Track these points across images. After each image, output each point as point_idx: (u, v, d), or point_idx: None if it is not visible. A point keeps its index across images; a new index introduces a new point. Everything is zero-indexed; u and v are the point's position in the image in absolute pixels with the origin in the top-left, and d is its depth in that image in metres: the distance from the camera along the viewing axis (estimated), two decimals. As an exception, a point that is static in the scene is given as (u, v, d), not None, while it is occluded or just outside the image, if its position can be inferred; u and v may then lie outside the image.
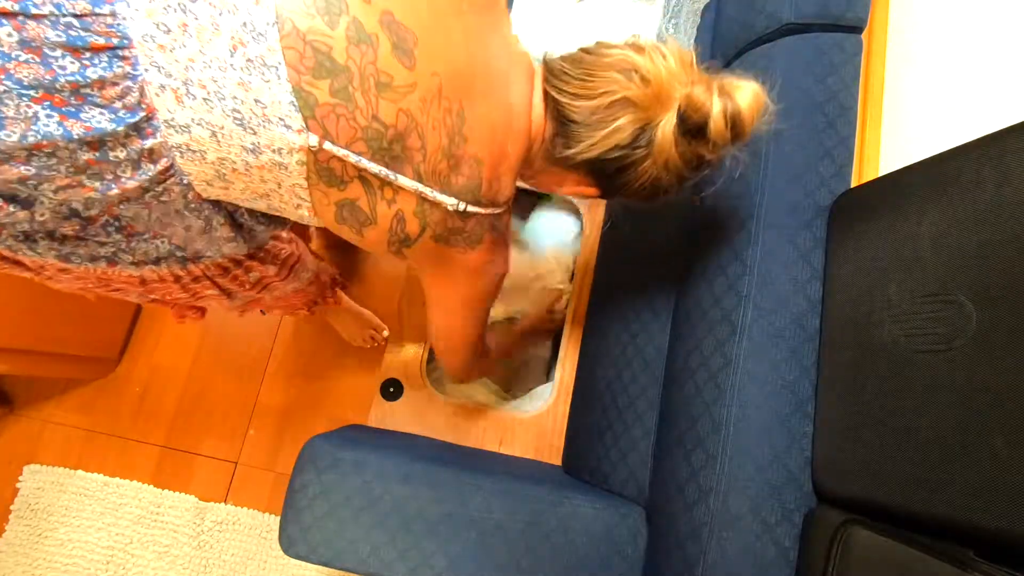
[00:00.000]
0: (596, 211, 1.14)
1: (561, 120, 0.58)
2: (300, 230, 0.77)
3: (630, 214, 1.00)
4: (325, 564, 0.76)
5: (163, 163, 0.48)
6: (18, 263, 0.57)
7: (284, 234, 0.76)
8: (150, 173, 0.48)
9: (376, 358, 1.32)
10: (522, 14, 1.07)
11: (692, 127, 0.54)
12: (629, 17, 1.02)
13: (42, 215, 0.49)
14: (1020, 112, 0.72)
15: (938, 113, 0.86)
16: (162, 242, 0.59)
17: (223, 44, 0.44)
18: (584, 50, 0.59)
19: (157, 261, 0.61)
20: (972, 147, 0.58)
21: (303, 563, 1.18)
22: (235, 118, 0.47)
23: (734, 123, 0.53)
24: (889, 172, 0.70)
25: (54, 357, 1.25)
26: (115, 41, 0.43)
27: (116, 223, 0.53)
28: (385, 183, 0.52)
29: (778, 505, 0.65)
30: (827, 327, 0.70)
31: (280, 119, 0.47)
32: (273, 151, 0.48)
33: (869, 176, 0.89)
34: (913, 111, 0.90)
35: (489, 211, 0.58)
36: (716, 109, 0.52)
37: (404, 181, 0.52)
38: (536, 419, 1.06)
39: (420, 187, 0.53)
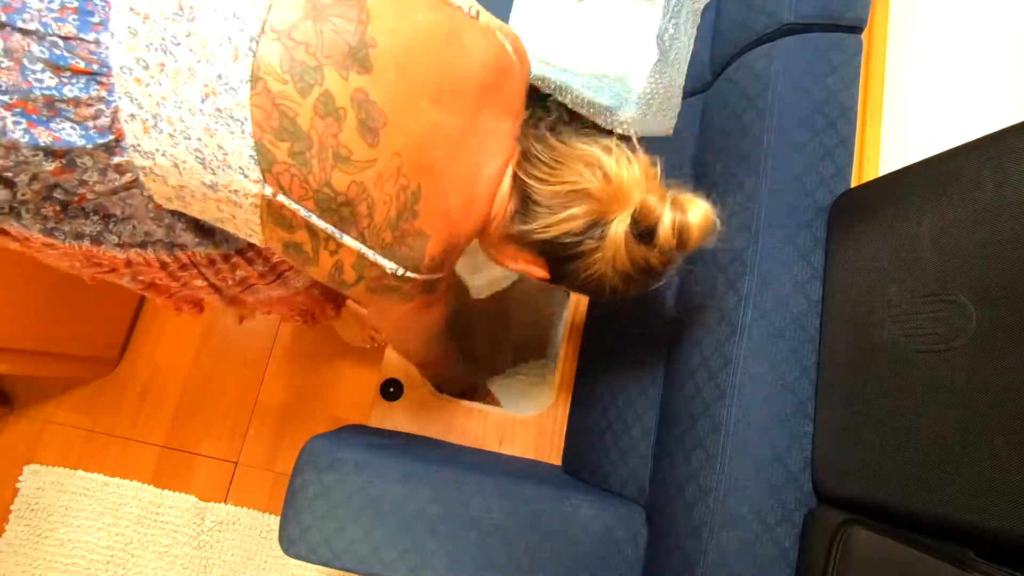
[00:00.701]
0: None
1: (523, 198, 0.62)
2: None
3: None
4: (325, 564, 0.76)
5: (128, 176, 0.51)
6: (4, 232, 0.58)
7: None
8: (117, 183, 0.51)
9: (376, 358, 1.33)
10: (522, 14, 1.07)
11: (643, 230, 0.57)
12: (629, 17, 1.02)
13: (23, 194, 0.51)
14: (1020, 112, 0.72)
15: (938, 113, 0.86)
16: (139, 223, 0.61)
17: (196, 89, 0.47)
18: (560, 140, 0.63)
19: (143, 245, 0.62)
20: (972, 147, 0.58)
21: (303, 563, 1.18)
22: (197, 157, 0.49)
23: (681, 234, 0.57)
24: (889, 172, 0.70)
25: (54, 357, 1.25)
26: (95, 67, 0.46)
27: (93, 206, 0.56)
28: (330, 238, 0.54)
29: (778, 505, 0.65)
30: (827, 327, 0.70)
31: (239, 168, 0.49)
32: (230, 191, 0.51)
33: (869, 176, 0.89)
34: (913, 111, 0.90)
35: (427, 278, 0.61)
36: (667, 218, 0.56)
37: (348, 240, 0.55)
38: (536, 419, 1.06)
39: (363, 248, 0.55)
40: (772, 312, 0.71)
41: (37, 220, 0.55)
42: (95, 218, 0.57)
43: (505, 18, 1.02)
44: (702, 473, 0.70)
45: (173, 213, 0.58)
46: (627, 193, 0.58)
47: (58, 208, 0.54)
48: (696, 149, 0.94)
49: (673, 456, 0.76)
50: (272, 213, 0.53)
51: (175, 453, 1.38)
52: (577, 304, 1.11)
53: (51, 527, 1.32)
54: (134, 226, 0.60)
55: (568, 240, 0.60)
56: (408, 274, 0.59)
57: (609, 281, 0.62)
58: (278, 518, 1.16)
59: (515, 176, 0.63)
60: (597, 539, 0.78)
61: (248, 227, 0.56)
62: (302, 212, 0.52)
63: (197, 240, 0.64)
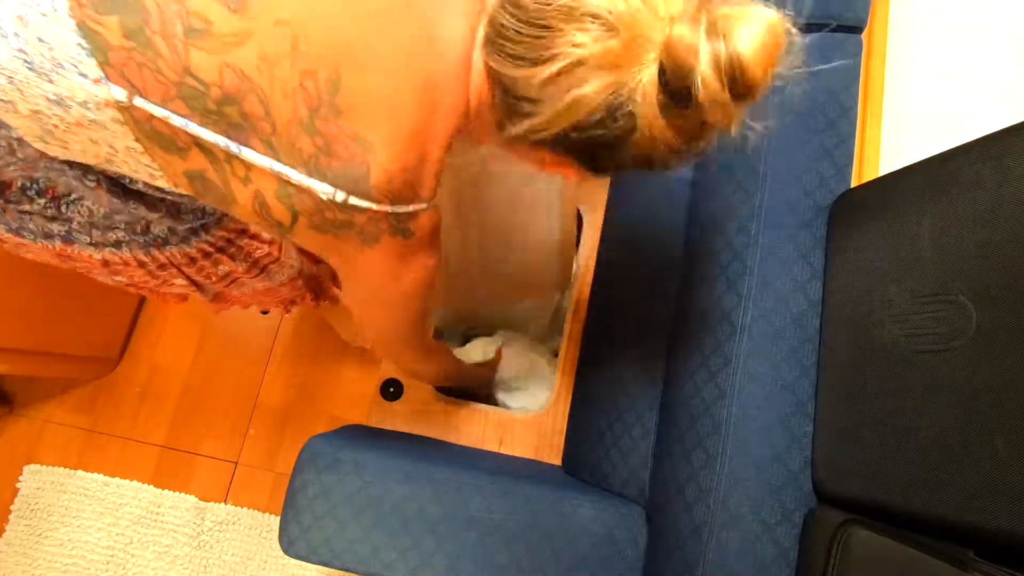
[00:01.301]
0: (595, 215, 1.14)
1: (503, 89, 0.45)
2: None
3: (628, 219, 1.00)
4: (325, 564, 0.76)
5: None
6: None
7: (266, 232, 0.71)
8: None
9: (376, 358, 1.32)
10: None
11: (678, 88, 0.39)
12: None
13: None
14: (1020, 112, 0.72)
15: (938, 113, 0.86)
16: (93, 207, 0.53)
17: None
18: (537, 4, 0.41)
19: (118, 244, 0.58)
20: (972, 147, 0.58)
21: (303, 563, 1.18)
22: (24, 60, 0.38)
23: (734, 76, 0.37)
24: (889, 172, 0.70)
25: (54, 357, 1.25)
26: None
27: (35, 186, 0.49)
28: (231, 157, 0.42)
29: (778, 505, 0.65)
30: (827, 327, 0.70)
31: (72, 64, 0.38)
32: (79, 104, 0.39)
33: (869, 176, 0.89)
34: (913, 111, 0.90)
35: (387, 208, 0.45)
36: (704, 58, 0.37)
37: (252, 156, 0.41)
38: (536, 419, 1.06)
39: (276, 165, 0.42)
40: (772, 312, 0.71)
41: None
42: (41, 201, 0.49)
43: None
44: (702, 473, 0.70)
45: (72, 165, 0.47)
46: (644, 37, 0.38)
47: None
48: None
49: (673, 456, 0.76)
50: (146, 132, 0.40)
51: (175, 453, 1.38)
52: (577, 305, 1.11)
53: (51, 527, 1.32)
54: (91, 210, 0.52)
55: (584, 135, 0.42)
56: (352, 200, 0.43)
57: (660, 159, 0.45)
58: (278, 518, 1.16)
59: (486, 65, 0.45)
60: (597, 539, 0.78)
61: (139, 163, 0.44)
62: (176, 120, 0.39)
63: (119, 204, 0.52)
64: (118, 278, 0.67)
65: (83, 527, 1.31)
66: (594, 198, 1.12)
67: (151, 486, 1.34)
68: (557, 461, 1.04)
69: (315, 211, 0.44)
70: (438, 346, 0.80)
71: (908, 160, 0.67)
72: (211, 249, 0.66)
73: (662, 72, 0.39)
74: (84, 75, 0.38)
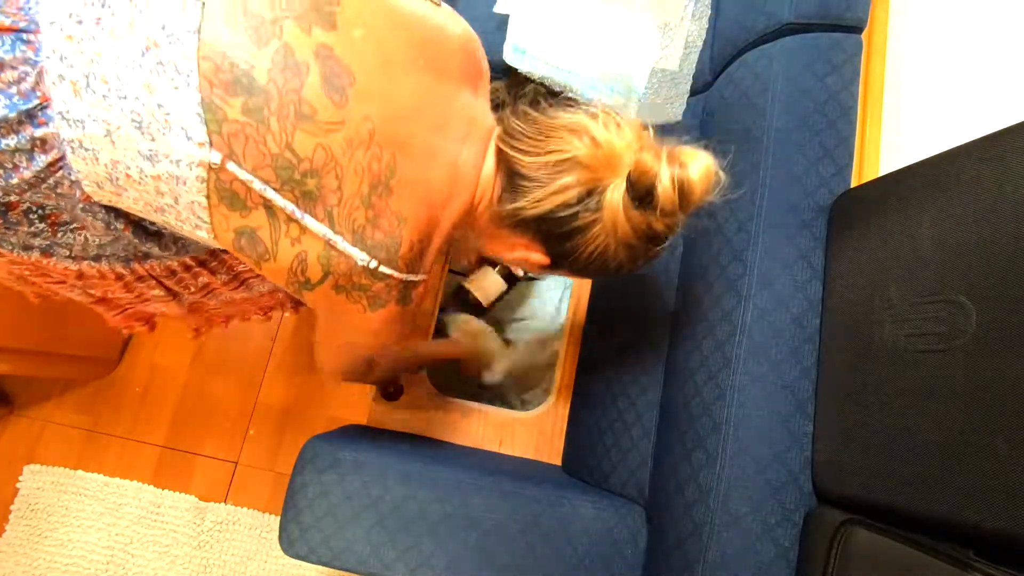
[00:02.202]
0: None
1: (510, 174, 0.57)
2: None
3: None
4: (325, 564, 0.76)
5: (54, 154, 0.46)
6: None
7: None
8: (41, 164, 0.46)
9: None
10: (522, 15, 1.06)
11: (641, 193, 0.52)
12: (630, 16, 1.02)
13: None
14: (1020, 112, 0.72)
15: (938, 113, 0.86)
16: (90, 236, 0.56)
17: (136, 43, 0.43)
18: (539, 111, 0.58)
19: (97, 258, 0.59)
20: (972, 147, 0.58)
21: (303, 563, 1.18)
22: (133, 120, 0.44)
23: (682, 190, 0.51)
24: (889, 172, 0.70)
25: (54, 357, 1.25)
26: (22, 24, 0.42)
27: (39, 211, 0.52)
28: (291, 220, 0.49)
29: (778, 505, 0.65)
30: (827, 327, 0.70)
31: (183, 129, 0.44)
32: (171, 161, 0.46)
33: (869, 176, 0.89)
34: (913, 111, 0.90)
35: (403, 276, 0.55)
36: (665, 175, 0.51)
37: (312, 223, 0.49)
38: (536, 419, 1.06)
39: (330, 234, 0.50)
40: (772, 312, 0.71)
41: None
42: (41, 225, 0.53)
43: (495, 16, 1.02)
44: (702, 473, 0.70)
45: (108, 209, 0.53)
46: (619, 156, 0.53)
47: None
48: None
49: (673, 456, 0.76)
50: (221, 190, 0.47)
51: (175, 453, 1.38)
52: (577, 304, 1.11)
53: (51, 527, 1.32)
54: (87, 238, 0.56)
55: (564, 214, 0.55)
56: (383, 269, 0.52)
57: (612, 255, 0.57)
58: (278, 518, 1.16)
59: (499, 152, 0.58)
60: (597, 539, 0.78)
61: (193, 215, 0.49)
62: (257, 185, 0.46)
63: (142, 244, 0.58)
64: (92, 292, 0.67)
65: (83, 527, 1.31)
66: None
67: (151, 486, 1.34)
68: (557, 461, 1.04)
69: (345, 274, 0.52)
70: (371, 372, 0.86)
71: (908, 160, 0.67)
72: (192, 263, 0.67)
73: (630, 182, 0.52)
74: (190, 139, 0.44)
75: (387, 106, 0.50)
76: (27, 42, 0.42)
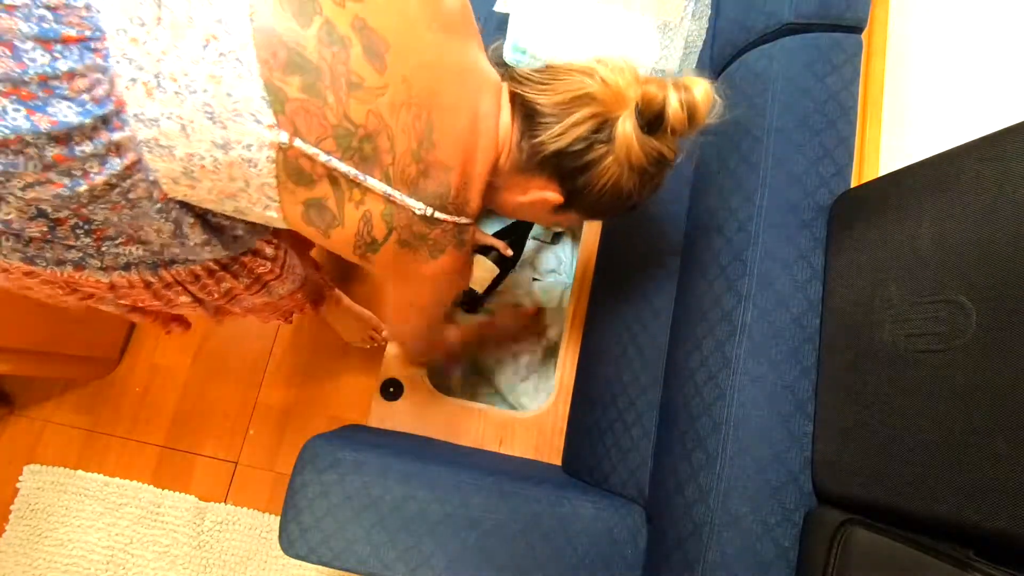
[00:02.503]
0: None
1: (527, 114, 0.62)
2: (301, 238, 0.76)
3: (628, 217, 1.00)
4: (325, 564, 0.76)
5: (130, 157, 0.48)
6: None
7: (268, 250, 0.74)
8: (117, 168, 0.47)
9: (376, 358, 1.33)
10: (523, 13, 1.06)
11: (650, 120, 0.58)
12: (630, 16, 1.02)
13: (7, 214, 0.48)
14: (1020, 112, 0.72)
15: (938, 113, 0.86)
16: (136, 247, 0.58)
17: (196, 38, 0.45)
18: (548, 64, 0.64)
19: (127, 267, 0.60)
20: (972, 147, 0.58)
21: (303, 563, 1.18)
22: (206, 112, 0.47)
23: (690, 111, 0.58)
24: (889, 172, 0.70)
25: (54, 357, 1.25)
26: (87, 33, 0.43)
27: (86, 226, 0.52)
28: (354, 184, 0.53)
29: (778, 505, 0.65)
30: (827, 327, 0.70)
31: (251, 114, 0.47)
32: (243, 147, 0.49)
33: (869, 176, 0.89)
34: (913, 111, 0.90)
35: (455, 219, 0.60)
36: (673, 99, 0.57)
37: (373, 183, 0.53)
38: (536, 419, 1.06)
39: (388, 190, 0.54)
40: (772, 312, 0.71)
41: (17, 247, 0.53)
42: (86, 240, 0.54)
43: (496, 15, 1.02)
44: (702, 473, 0.70)
45: (181, 205, 0.55)
46: (624, 92, 0.59)
47: (45, 229, 0.51)
48: (695, 149, 0.94)
49: (673, 456, 0.76)
50: (289, 168, 0.51)
51: (175, 453, 1.38)
52: (577, 304, 1.11)
53: (51, 527, 1.32)
54: (127, 244, 0.57)
55: (579, 147, 0.60)
56: (437, 214, 0.58)
57: (625, 184, 0.62)
58: (278, 518, 1.16)
59: (513, 97, 0.63)
60: (597, 539, 0.78)
61: (263, 196, 0.53)
62: (322, 156, 0.50)
63: (205, 239, 0.61)
64: (124, 302, 0.70)
65: (83, 527, 1.31)
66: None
67: (151, 486, 1.34)
68: (557, 461, 1.04)
69: (406, 226, 0.57)
70: (443, 343, 1.03)
71: (908, 160, 0.67)
72: (215, 267, 0.68)
73: (639, 111, 0.58)
74: (259, 122, 0.48)
75: (418, 66, 0.54)
76: (95, 50, 0.43)
